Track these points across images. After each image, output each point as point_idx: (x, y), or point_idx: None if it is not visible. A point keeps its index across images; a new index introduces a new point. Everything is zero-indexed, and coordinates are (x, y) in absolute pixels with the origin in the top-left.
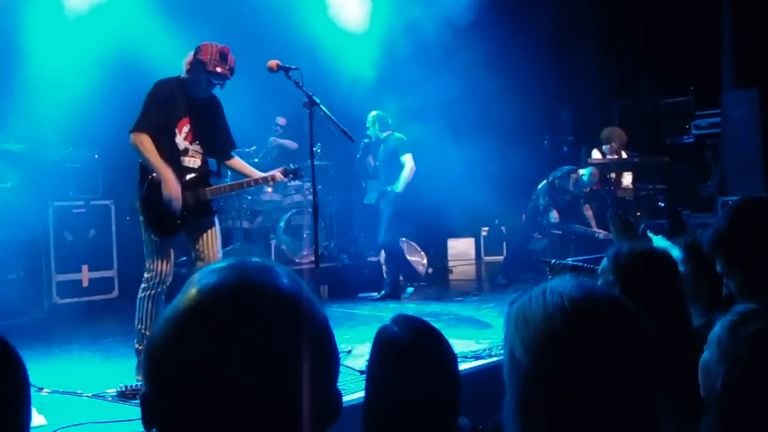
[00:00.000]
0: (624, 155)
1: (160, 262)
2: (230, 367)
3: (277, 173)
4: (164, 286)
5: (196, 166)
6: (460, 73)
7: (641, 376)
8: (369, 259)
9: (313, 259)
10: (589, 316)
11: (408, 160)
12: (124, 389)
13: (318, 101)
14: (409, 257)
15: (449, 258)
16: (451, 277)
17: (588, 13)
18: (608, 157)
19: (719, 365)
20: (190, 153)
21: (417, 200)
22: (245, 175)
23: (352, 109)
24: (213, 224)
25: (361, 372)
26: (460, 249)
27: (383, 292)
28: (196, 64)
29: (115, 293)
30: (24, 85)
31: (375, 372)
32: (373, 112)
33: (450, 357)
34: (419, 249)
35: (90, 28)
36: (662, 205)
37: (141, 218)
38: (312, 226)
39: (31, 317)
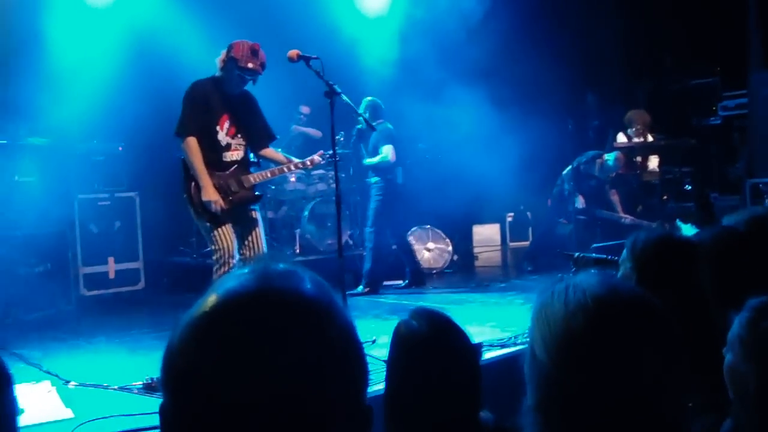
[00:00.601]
0: (650, 138)
1: (222, 239)
2: (250, 374)
3: (315, 157)
4: (234, 261)
5: (238, 159)
6: (484, 58)
7: (667, 377)
8: (393, 247)
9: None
10: (612, 314)
11: (386, 152)
12: (150, 381)
13: (339, 90)
14: (434, 245)
15: (474, 244)
16: (476, 263)
17: None
18: (633, 140)
19: (747, 363)
20: (233, 147)
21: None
22: (281, 163)
23: (375, 94)
24: (258, 221)
25: (386, 362)
26: (486, 235)
27: (407, 281)
28: (229, 62)
29: (141, 284)
30: (47, 78)
31: (394, 366)
32: (368, 98)
33: (470, 350)
34: (444, 236)
35: (113, 19)
36: (689, 188)
37: (191, 208)
38: (335, 213)
39: (59, 309)
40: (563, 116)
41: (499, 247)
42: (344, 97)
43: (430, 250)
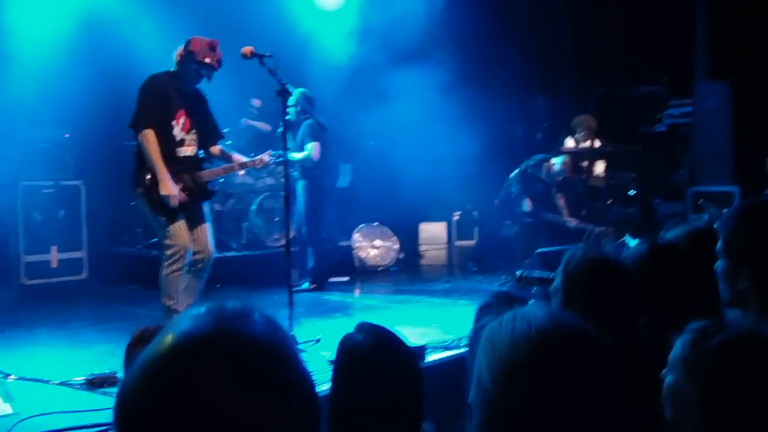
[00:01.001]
0: (597, 143)
1: (178, 235)
2: (204, 417)
3: (264, 156)
4: (186, 260)
5: (192, 155)
6: (435, 59)
7: (606, 407)
8: (340, 243)
9: (282, 242)
10: (555, 347)
11: (310, 148)
12: (92, 377)
13: (291, 89)
14: (381, 242)
15: (420, 242)
16: (422, 261)
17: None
18: (581, 145)
19: (689, 384)
20: (186, 143)
21: (384, 184)
22: (229, 161)
23: (326, 90)
24: (207, 216)
25: (331, 362)
26: (432, 233)
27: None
28: (187, 56)
29: (84, 275)
30: None
31: (339, 379)
32: (300, 90)
33: (413, 367)
34: (391, 234)
35: (63, 5)
36: (633, 193)
37: (145, 202)
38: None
39: None
40: (513, 118)
41: (445, 246)
42: (299, 97)
43: (377, 247)
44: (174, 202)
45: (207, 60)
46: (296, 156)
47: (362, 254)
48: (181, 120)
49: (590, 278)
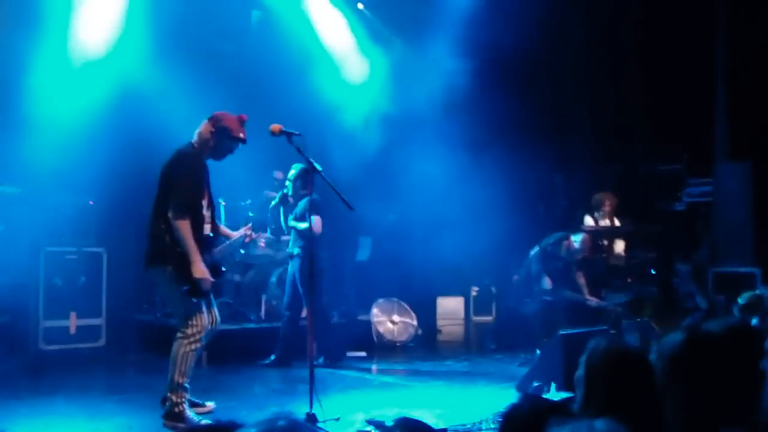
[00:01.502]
0: (617, 222)
1: (201, 317)
2: None
3: (246, 230)
4: (204, 341)
5: (210, 233)
6: (455, 138)
7: None
8: (359, 317)
9: (303, 315)
10: None
11: (314, 221)
12: None
13: (319, 168)
14: (399, 317)
15: (438, 317)
16: (439, 337)
17: (582, 78)
18: (600, 223)
19: None
20: (207, 220)
21: (402, 258)
22: (219, 234)
23: (347, 166)
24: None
25: None
26: (450, 308)
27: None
28: (220, 132)
29: (102, 342)
30: (22, 127)
31: None
32: (300, 165)
33: None
34: (409, 309)
35: (91, 74)
36: (653, 272)
37: (173, 279)
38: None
39: (16, 363)
40: (532, 195)
41: (462, 321)
42: (323, 176)
43: (395, 322)
44: (207, 286)
45: (241, 135)
46: (298, 224)
47: (381, 329)
48: (206, 199)
49: (613, 370)
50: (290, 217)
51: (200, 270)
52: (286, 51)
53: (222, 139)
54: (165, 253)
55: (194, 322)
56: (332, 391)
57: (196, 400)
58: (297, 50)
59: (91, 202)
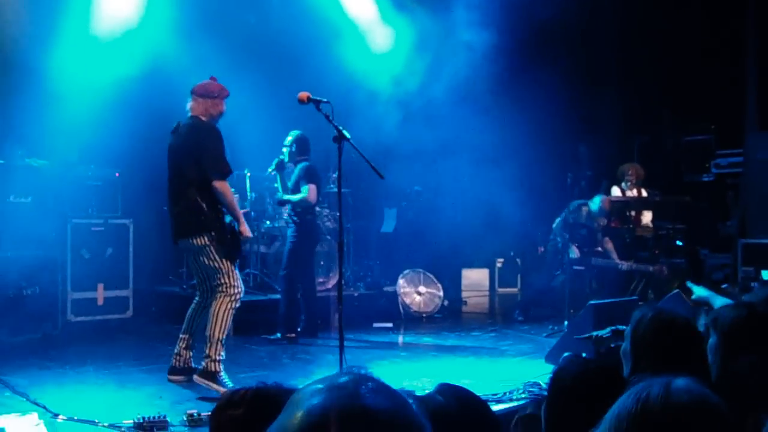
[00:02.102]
0: (644, 192)
1: (238, 279)
2: None
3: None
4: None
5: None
6: (482, 107)
7: None
8: (384, 288)
9: (328, 286)
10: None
11: (308, 192)
12: (141, 421)
13: (348, 136)
14: (425, 288)
15: (463, 288)
16: (464, 309)
17: (611, 49)
18: (627, 193)
19: None
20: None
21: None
22: None
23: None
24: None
25: None
26: (474, 279)
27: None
28: (219, 94)
29: (129, 313)
30: (49, 100)
31: None
32: (295, 132)
33: (496, 425)
34: (435, 281)
35: (116, 47)
36: (680, 244)
37: (213, 247)
38: (329, 253)
39: (45, 334)
40: (559, 166)
41: (487, 293)
42: (352, 143)
43: (421, 293)
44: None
45: (225, 92)
46: (292, 197)
47: (407, 300)
48: None
49: (661, 341)
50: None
51: (247, 230)
52: (310, 20)
53: (221, 103)
54: (206, 221)
55: (236, 283)
56: (360, 362)
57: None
58: (321, 19)
59: (117, 174)
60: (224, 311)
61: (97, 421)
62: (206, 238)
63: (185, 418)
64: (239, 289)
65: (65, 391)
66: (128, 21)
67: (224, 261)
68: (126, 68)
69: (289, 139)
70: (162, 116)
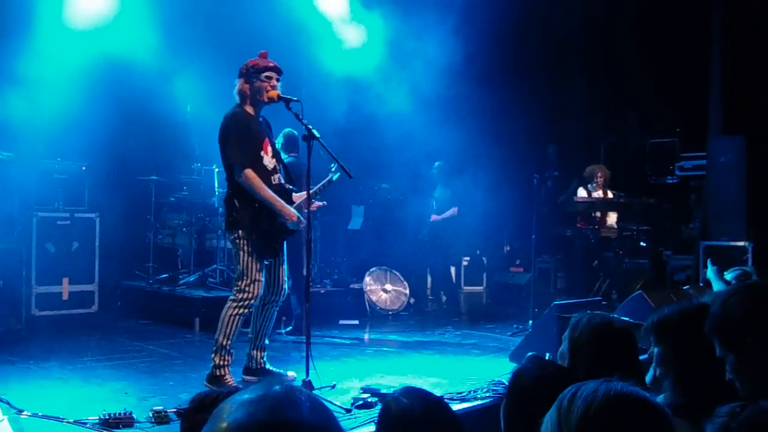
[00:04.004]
0: (609, 194)
1: (256, 285)
2: None
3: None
4: (253, 307)
5: (282, 182)
6: (451, 108)
7: None
8: (351, 285)
9: (292, 283)
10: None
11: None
12: (107, 417)
13: (317, 135)
14: (391, 286)
15: (429, 286)
16: (431, 307)
17: (578, 51)
18: (593, 195)
19: None
20: (276, 170)
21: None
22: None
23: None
24: (284, 256)
25: (347, 410)
26: None
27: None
28: (250, 73)
29: (95, 308)
30: (14, 93)
31: None
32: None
33: (460, 428)
34: (402, 279)
35: (85, 40)
36: (644, 245)
37: (245, 241)
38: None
39: (8, 328)
40: (526, 167)
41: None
42: (321, 142)
43: (387, 291)
44: (301, 225)
45: (270, 64)
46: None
47: (373, 297)
48: (269, 148)
49: (597, 345)
50: None
51: (290, 214)
52: (280, 14)
53: (256, 79)
54: (236, 218)
55: (248, 288)
56: (327, 359)
57: (276, 370)
58: (291, 13)
59: (84, 168)
60: (229, 316)
61: (62, 417)
62: (234, 235)
63: (151, 415)
64: (250, 295)
65: (29, 387)
66: (99, 14)
67: (247, 261)
68: (94, 61)
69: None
70: (130, 109)
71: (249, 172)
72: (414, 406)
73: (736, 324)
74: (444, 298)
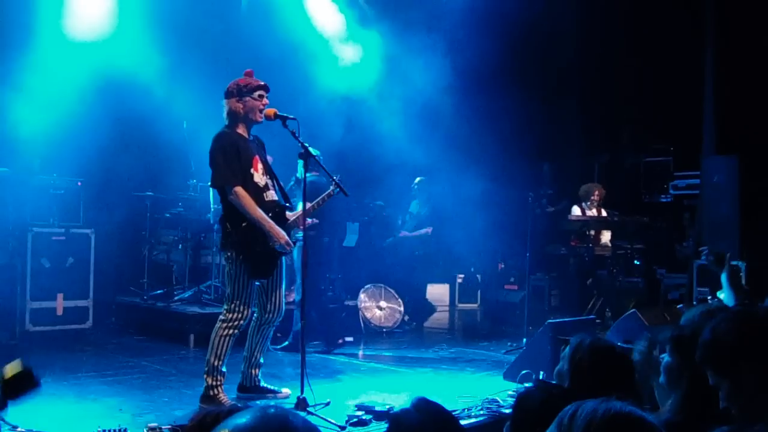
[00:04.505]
0: (603, 212)
1: (246, 307)
2: None
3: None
4: (242, 327)
5: (276, 199)
6: (445, 125)
7: None
8: (346, 303)
9: (289, 299)
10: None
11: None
12: None
13: (314, 153)
14: (386, 303)
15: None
16: (425, 324)
17: (572, 70)
18: (587, 213)
19: None
20: (269, 187)
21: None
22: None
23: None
24: (283, 273)
25: (341, 427)
26: (435, 294)
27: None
28: (239, 92)
29: (89, 323)
30: (10, 108)
31: None
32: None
33: None
34: (396, 296)
35: (81, 56)
36: (638, 263)
37: (237, 262)
38: (290, 266)
39: (2, 344)
40: (521, 185)
41: (447, 308)
42: (318, 161)
43: (382, 308)
44: (288, 249)
45: (259, 83)
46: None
47: (368, 314)
48: (259, 166)
49: (596, 367)
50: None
51: (278, 235)
52: (276, 32)
53: (249, 98)
54: (227, 239)
55: (237, 309)
56: (321, 376)
57: (270, 387)
58: (287, 31)
59: (79, 183)
60: (219, 337)
61: None
62: (227, 255)
63: (146, 431)
64: (239, 315)
65: (24, 403)
66: (96, 29)
67: (237, 282)
68: (91, 76)
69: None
70: (126, 125)
71: (239, 190)
72: (425, 420)
73: (728, 351)
74: (406, 318)
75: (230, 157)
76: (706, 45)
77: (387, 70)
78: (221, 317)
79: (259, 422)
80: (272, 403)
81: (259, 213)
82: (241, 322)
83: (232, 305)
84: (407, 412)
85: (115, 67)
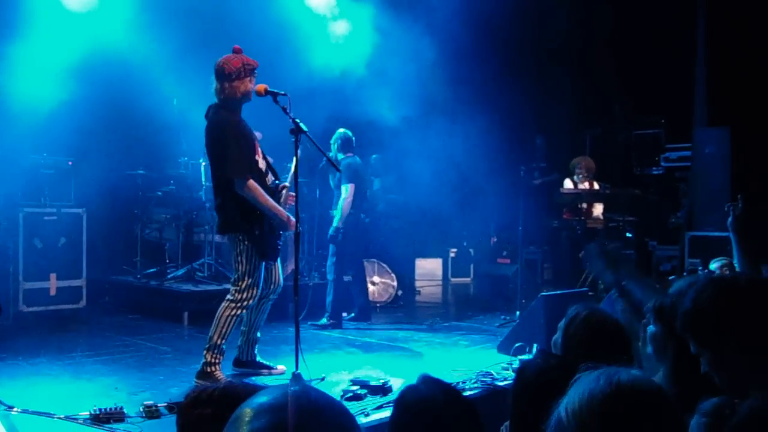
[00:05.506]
0: (595, 185)
1: (257, 287)
2: None
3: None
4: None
5: (273, 180)
6: (437, 100)
7: None
8: (346, 278)
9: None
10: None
11: (345, 191)
12: (97, 412)
13: (305, 128)
14: (379, 278)
15: (417, 278)
16: (418, 298)
17: (563, 43)
18: (579, 186)
19: None
20: (267, 171)
21: (384, 220)
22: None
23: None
24: (278, 251)
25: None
26: (428, 269)
27: (353, 314)
28: (236, 74)
29: (83, 303)
30: (0, 87)
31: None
32: (340, 130)
33: (478, 423)
34: (390, 271)
35: (71, 34)
36: (630, 236)
37: (248, 244)
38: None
39: None
40: (513, 159)
41: (440, 282)
42: (309, 136)
43: (375, 283)
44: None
45: (253, 63)
46: (337, 209)
47: None
48: (259, 150)
49: (591, 339)
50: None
51: (290, 222)
52: (267, 11)
53: (244, 79)
54: (233, 222)
55: (248, 290)
56: (315, 351)
57: (266, 363)
58: (277, 7)
59: (70, 163)
60: (226, 317)
61: (52, 413)
62: (235, 237)
63: (142, 410)
64: (249, 295)
65: (19, 383)
66: (84, 8)
67: (249, 263)
68: (80, 55)
69: (333, 138)
70: (116, 104)
71: (252, 183)
72: (434, 394)
73: (709, 321)
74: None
75: (244, 150)
76: (698, 17)
77: (378, 46)
78: (230, 297)
79: (281, 401)
80: (267, 379)
81: (271, 202)
82: (251, 302)
83: (243, 285)
84: (415, 387)
85: (106, 45)
